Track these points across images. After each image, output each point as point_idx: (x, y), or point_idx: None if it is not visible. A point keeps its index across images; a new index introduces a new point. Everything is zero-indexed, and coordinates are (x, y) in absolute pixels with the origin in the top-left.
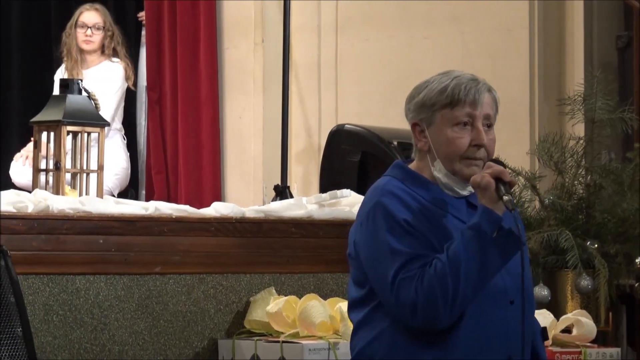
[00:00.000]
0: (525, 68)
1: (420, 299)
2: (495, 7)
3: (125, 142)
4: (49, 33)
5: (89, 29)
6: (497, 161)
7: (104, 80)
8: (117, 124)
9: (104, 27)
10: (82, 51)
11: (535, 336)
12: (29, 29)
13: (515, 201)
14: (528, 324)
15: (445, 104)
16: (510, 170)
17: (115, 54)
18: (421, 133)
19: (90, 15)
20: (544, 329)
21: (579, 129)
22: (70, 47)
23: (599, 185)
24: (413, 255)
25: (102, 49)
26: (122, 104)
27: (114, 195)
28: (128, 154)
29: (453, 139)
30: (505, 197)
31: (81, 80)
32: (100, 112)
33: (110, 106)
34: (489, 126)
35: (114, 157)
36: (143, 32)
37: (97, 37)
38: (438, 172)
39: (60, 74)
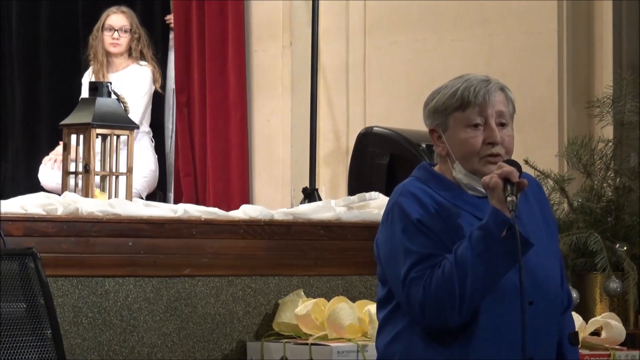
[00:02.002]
0: (554, 70)
1: (427, 299)
2: (524, 10)
3: (154, 144)
4: (77, 36)
5: (116, 32)
6: (512, 162)
7: (132, 84)
8: (145, 127)
9: (130, 30)
10: (109, 54)
11: (563, 341)
12: (57, 32)
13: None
14: (547, 325)
15: (457, 107)
16: (538, 173)
17: (142, 56)
18: (439, 139)
19: (117, 18)
20: (574, 334)
21: (608, 132)
22: (97, 50)
23: (628, 187)
24: (424, 255)
25: (129, 52)
26: (150, 107)
27: (142, 198)
28: (156, 156)
29: (466, 140)
30: (509, 198)
31: (110, 83)
32: (129, 115)
33: (138, 109)
34: (503, 124)
35: (142, 159)
36: (171, 35)
37: (124, 39)
38: (458, 173)
39: (88, 77)
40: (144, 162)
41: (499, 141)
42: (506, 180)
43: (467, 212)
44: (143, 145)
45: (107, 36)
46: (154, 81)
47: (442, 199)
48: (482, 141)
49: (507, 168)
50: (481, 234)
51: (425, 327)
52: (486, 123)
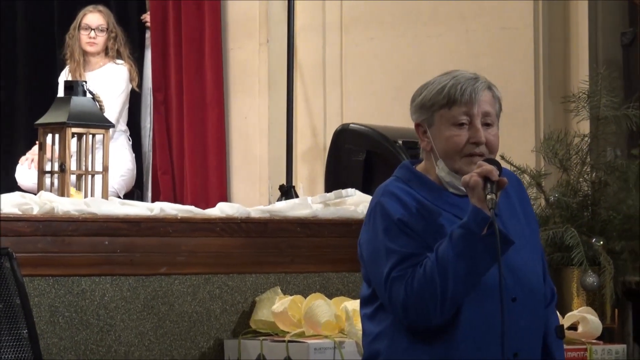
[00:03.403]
0: (530, 66)
1: (410, 298)
2: (500, 5)
3: (131, 143)
4: (52, 35)
5: (93, 31)
6: (492, 160)
7: (109, 82)
8: (122, 126)
9: (107, 29)
10: (85, 53)
11: (548, 335)
12: (33, 31)
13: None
14: (531, 321)
15: (443, 104)
16: (515, 168)
17: (119, 55)
18: (424, 133)
19: (93, 17)
20: (560, 327)
21: (584, 126)
22: (74, 49)
23: (604, 182)
24: (406, 255)
25: (106, 51)
26: (127, 106)
27: (119, 197)
28: (133, 155)
29: (450, 137)
30: (488, 197)
31: (85, 82)
32: (105, 114)
33: (115, 108)
34: (488, 124)
35: (119, 158)
36: (147, 35)
37: (101, 38)
38: (441, 170)
39: (64, 76)
40: (121, 161)
41: (483, 141)
42: (486, 178)
43: (448, 212)
44: (120, 144)
45: (84, 35)
46: (131, 80)
47: (423, 198)
48: (466, 140)
49: (487, 167)
50: (462, 233)
51: (408, 325)
52: (471, 122)
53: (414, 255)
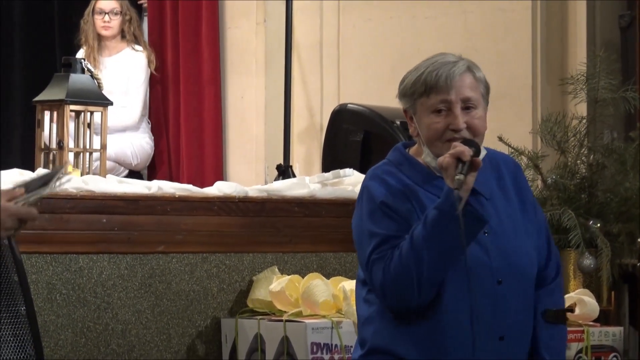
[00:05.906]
0: (528, 48)
1: (387, 280)
2: None
3: (150, 126)
4: (52, 11)
5: (107, 15)
6: (469, 141)
7: (128, 71)
8: (144, 111)
9: (121, 12)
10: (101, 38)
11: (536, 317)
12: (31, 7)
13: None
14: (519, 305)
15: (421, 92)
16: (512, 150)
17: (136, 40)
18: (411, 119)
19: (107, 1)
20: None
21: (582, 109)
22: (88, 34)
23: (601, 164)
24: (386, 237)
25: (122, 34)
26: (148, 93)
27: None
28: (152, 137)
29: (429, 125)
30: (456, 177)
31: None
32: (131, 105)
33: (138, 99)
34: (470, 108)
35: (140, 145)
36: (145, 17)
37: (115, 22)
38: (427, 156)
39: None
40: (141, 148)
41: (461, 128)
42: (459, 159)
43: (435, 195)
44: (141, 129)
45: (98, 19)
46: (149, 64)
47: (411, 182)
48: (445, 126)
49: (460, 147)
50: (436, 214)
51: (390, 307)
52: (450, 108)
53: (395, 237)
